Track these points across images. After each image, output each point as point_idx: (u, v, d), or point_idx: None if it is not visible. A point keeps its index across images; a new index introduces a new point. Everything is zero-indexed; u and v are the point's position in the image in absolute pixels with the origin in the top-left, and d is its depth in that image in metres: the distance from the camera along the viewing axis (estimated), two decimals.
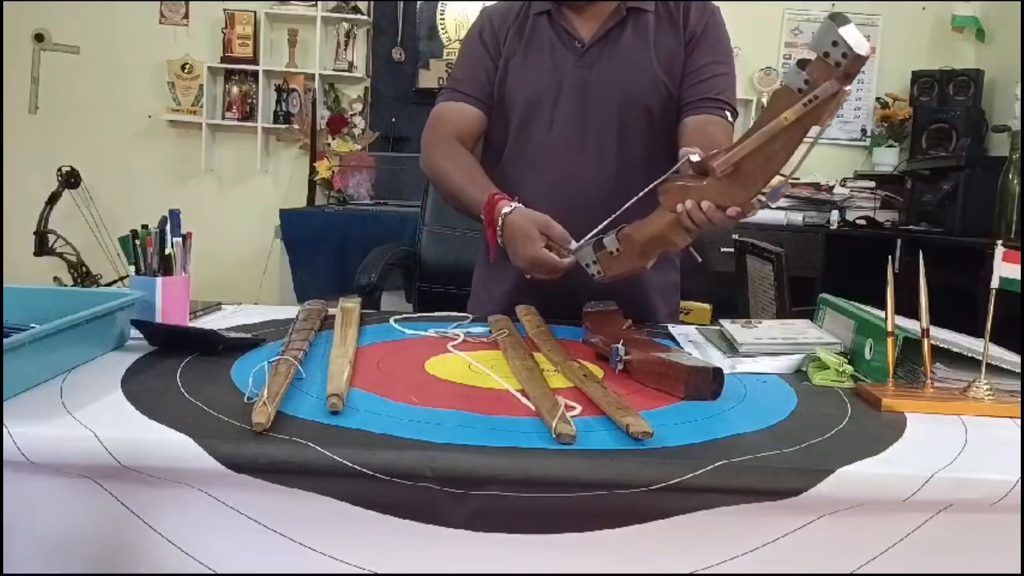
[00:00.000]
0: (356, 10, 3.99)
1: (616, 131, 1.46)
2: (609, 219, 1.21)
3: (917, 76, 3.91)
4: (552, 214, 1.26)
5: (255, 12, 3.94)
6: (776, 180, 1.01)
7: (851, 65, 0.89)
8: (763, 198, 1.05)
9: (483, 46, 1.51)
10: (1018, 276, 0.98)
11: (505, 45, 1.50)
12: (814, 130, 0.95)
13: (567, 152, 1.46)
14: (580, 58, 1.46)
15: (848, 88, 0.91)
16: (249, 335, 1.17)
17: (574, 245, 1.23)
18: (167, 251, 1.18)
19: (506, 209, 1.30)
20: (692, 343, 1.26)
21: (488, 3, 1.61)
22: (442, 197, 1.54)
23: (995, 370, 1.02)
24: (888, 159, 3.90)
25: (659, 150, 1.45)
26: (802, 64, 0.93)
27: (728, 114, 1.44)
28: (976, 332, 1.09)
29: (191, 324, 1.23)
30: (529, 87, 1.47)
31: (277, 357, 0.99)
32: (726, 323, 1.27)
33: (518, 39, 1.49)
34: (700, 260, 1.19)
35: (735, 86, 1.48)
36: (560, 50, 1.47)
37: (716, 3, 1.50)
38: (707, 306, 3.18)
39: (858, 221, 3.68)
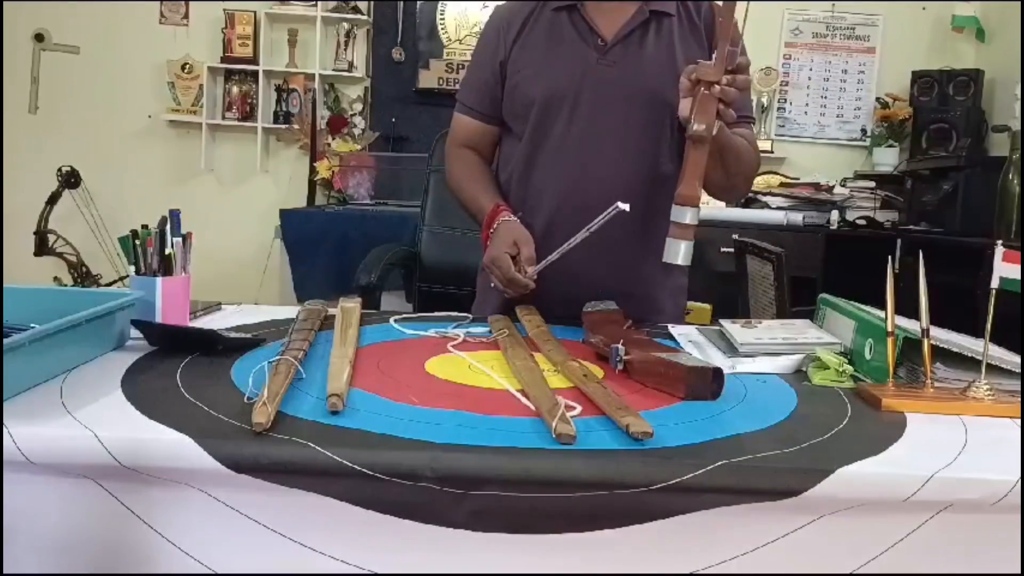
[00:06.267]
0: (356, 10, 3.99)
1: (636, 132, 1.44)
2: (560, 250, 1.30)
3: (917, 76, 3.91)
4: (567, 214, 1.33)
5: (255, 12, 3.94)
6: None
7: None
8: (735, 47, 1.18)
9: (487, 51, 1.52)
10: (1018, 276, 0.98)
11: (517, 42, 1.49)
12: None
13: (585, 152, 1.44)
14: (603, 56, 1.44)
15: None
16: (249, 335, 1.17)
17: (531, 270, 1.33)
18: (167, 251, 1.18)
19: (504, 218, 1.41)
20: (692, 343, 1.26)
21: (498, 2, 1.61)
22: (457, 203, 1.62)
23: (995, 370, 1.02)
24: (888, 159, 3.89)
25: (675, 153, 1.45)
26: None
27: (752, 125, 1.48)
28: (976, 332, 1.09)
29: (191, 324, 1.23)
30: (548, 84, 1.45)
31: (277, 357, 0.99)
32: (726, 323, 1.27)
33: (534, 34, 1.48)
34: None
35: (751, 96, 1.53)
36: (581, 47, 1.44)
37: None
38: (707, 306, 3.18)
39: (858, 221, 3.67)
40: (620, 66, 1.43)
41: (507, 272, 1.33)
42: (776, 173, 3.99)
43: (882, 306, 1.06)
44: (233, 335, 1.13)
